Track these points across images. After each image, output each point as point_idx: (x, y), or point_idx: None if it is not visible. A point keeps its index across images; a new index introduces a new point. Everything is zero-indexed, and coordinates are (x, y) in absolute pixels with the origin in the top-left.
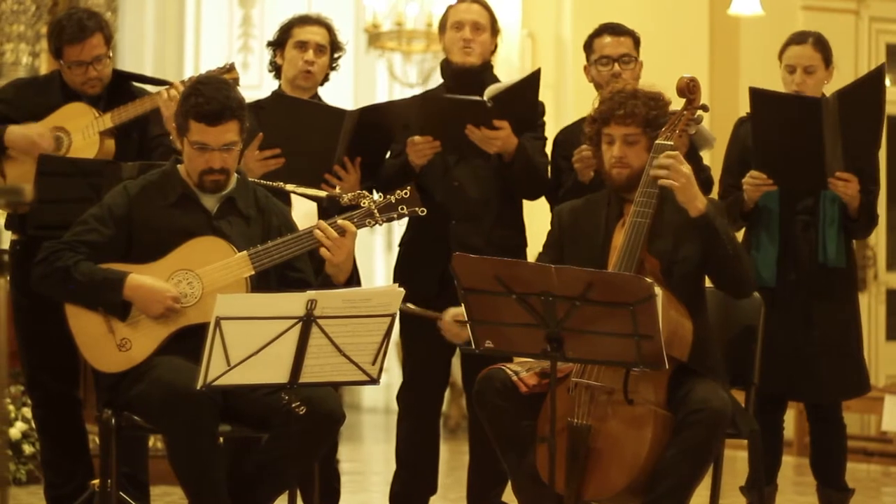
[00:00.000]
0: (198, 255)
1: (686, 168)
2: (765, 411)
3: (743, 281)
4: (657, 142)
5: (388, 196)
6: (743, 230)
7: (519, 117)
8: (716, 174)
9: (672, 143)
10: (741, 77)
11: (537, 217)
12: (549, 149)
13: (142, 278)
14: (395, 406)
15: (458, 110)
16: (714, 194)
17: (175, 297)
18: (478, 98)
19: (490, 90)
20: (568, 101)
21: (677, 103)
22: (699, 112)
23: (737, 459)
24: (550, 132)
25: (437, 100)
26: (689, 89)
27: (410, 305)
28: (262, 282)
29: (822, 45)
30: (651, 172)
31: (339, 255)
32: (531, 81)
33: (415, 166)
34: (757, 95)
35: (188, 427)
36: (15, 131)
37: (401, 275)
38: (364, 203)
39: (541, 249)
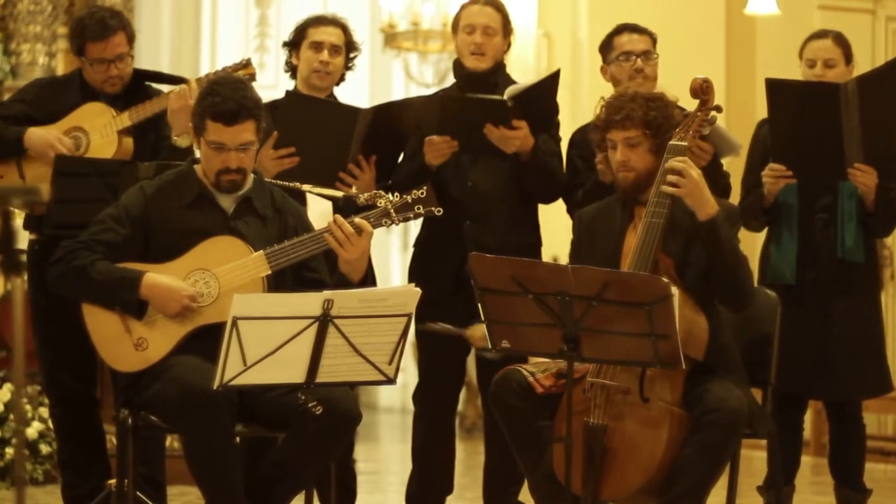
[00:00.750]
0: (214, 254)
1: (695, 172)
2: (784, 411)
3: (740, 293)
4: (671, 143)
5: (404, 196)
6: (766, 230)
7: (537, 117)
8: (733, 179)
9: (686, 143)
10: (757, 77)
11: (552, 217)
12: (564, 148)
13: (158, 277)
14: (411, 406)
15: (477, 110)
16: (735, 198)
17: (192, 295)
18: (499, 98)
19: (510, 90)
20: (584, 100)
21: (691, 104)
22: (713, 113)
23: (754, 459)
24: (566, 132)
25: (458, 100)
26: (702, 90)
27: (439, 324)
28: (279, 282)
29: (842, 42)
30: (662, 170)
31: (353, 253)
32: (551, 82)
33: (431, 166)
34: (774, 85)
35: (205, 427)
36: (34, 134)
37: (416, 275)
38: (380, 203)
39: (555, 250)
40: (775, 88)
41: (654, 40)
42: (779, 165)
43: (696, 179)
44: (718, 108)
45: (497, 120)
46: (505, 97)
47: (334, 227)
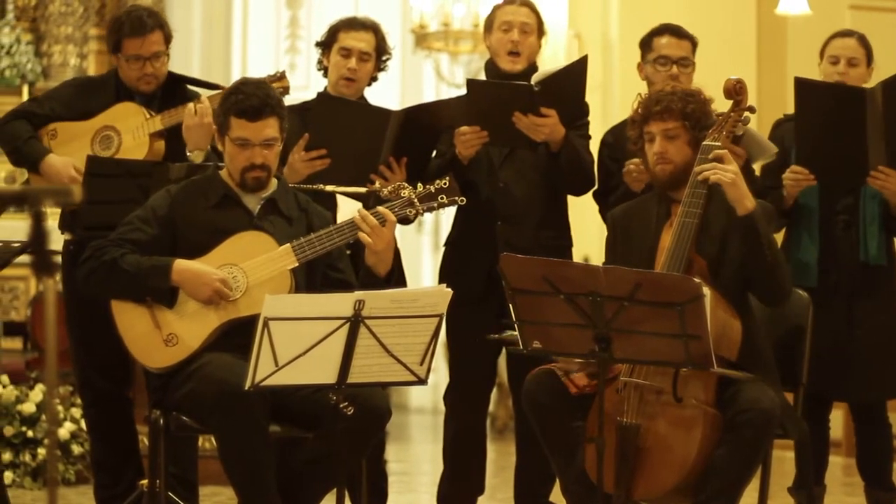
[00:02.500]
0: (241, 249)
1: (734, 166)
2: (810, 411)
3: (778, 289)
4: (704, 143)
5: (427, 186)
6: (783, 231)
7: (566, 106)
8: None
9: (720, 143)
10: (788, 77)
11: (583, 218)
12: (594, 148)
13: (189, 262)
14: (442, 406)
15: (504, 97)
16: None
17: (223, 279)
18: (525, 83)
19: (537, 75)
20: (615, 101)
21: (724, 105)
22: (746, 114)
23: (784, 460)
24: (597, 132)
25: (483, 85)
26: (735, 91)
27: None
28: (311, 283)
29: (865, 43)
30: (697, 169)
31: (380, 243)
32: (578, 67)
33: (462, 158)
34: (802, 85)
35: (241, 425)
36: (53, 166)
37: (447, 275)
38: (404, 193)
39: (586, 251)
40: (804, 88)
41: (693, 45)
42: (801, 168)
43: (736, 172)
44: (752, 109)
45: (525, 107)
46: (532, 82)
47: (359, 219)
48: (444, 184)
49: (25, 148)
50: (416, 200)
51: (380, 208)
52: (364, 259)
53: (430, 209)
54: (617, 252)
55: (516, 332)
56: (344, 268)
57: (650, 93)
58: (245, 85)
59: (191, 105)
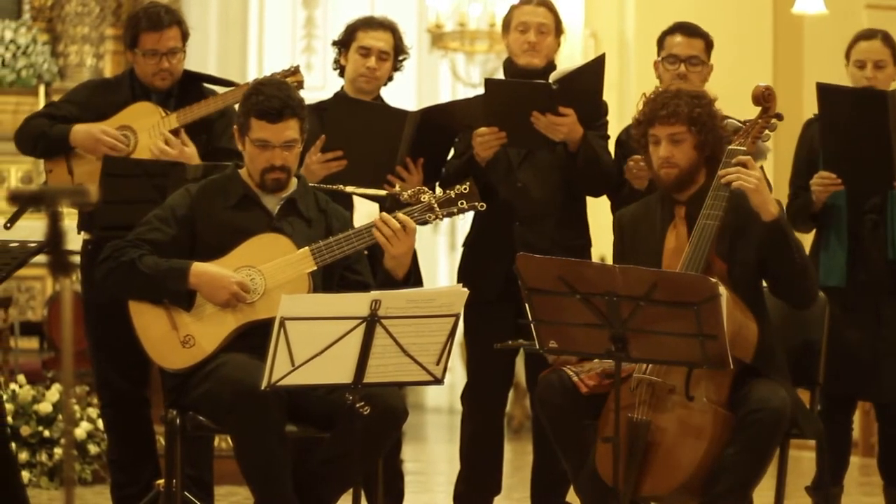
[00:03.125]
0: (259, 251)
1: (757, 172)
2: (833, 412)
3: (807, 292)
4: (730, 147)
5: (447, 191)
6: (813, 232)
7: (584, 105)
8: (780, 179)
9: (745, 148)
10: (805, 76)
11: (600, 217)
12: (612, 145)
13: (207, 266)
14: (458, 406)
15: (522, 95)
16: (782, 197)
17: (240, 282)
18: (542, 81)
19: (555, 74)
20: (631, 100)
21: (752, 111)
22: (774, 120)
23: (802, 460)
24: (613, 131)
25: (501, 83)
26: (764, 97)
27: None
28: (328, 284)
29: (890, 42)
30: (721, 172)
31: (399, 248)
32: (596, 66)
33: (480, 160)
34: (824, 91)
35: (256, 425)
36: (79, 130)
37: (465, 275)
38: (424, 198)
39: (604, 251)
40: (826, 93)
41: (708, 44)
42: (828, 173)
43: (760, 178)
44: (779, 116)
45: (543, 106)
46: (549, 81)
47: (380, 223)
48: (465, 189)
49: (51, 131)
50: (435, 206)
51: (399, 214)
52: (382, 261)
53: (450, 214)
54: (624, 256)
55: (524, 342)
56: (362, 269)
57: (655, 93)
58: (266, 86)
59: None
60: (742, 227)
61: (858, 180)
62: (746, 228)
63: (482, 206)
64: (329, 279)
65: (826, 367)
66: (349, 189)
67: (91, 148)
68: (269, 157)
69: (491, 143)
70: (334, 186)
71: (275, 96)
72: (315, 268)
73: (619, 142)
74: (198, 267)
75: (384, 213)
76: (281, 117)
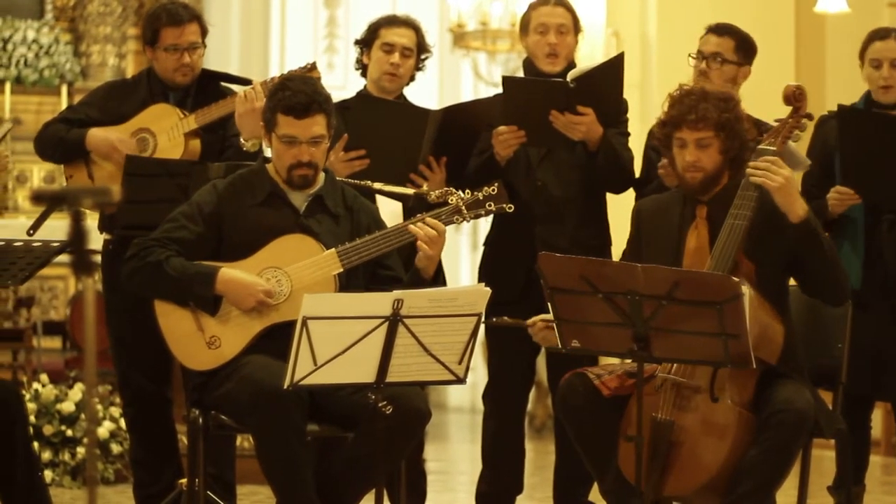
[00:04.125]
0: (286, 252)
1: (786, 171)
2: (852, 411)
3: (839, 289)
4: (760, 146)
5: (475, 193)
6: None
7: (603, 104)
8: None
9: (775, 148)
10: (827, 75)
11: (621, 215)
12: (634, 143)
13: (234, 272)
14: (481, 405)
15: (540, 94)
16: None
17: (267, 290)
18: (560, 80)
19: (573, 72)
20: (653, 99)
21: (773, 105)
22: (804, 120)
23: (824, 459)
24: (635, 130)
25: (519, 81)
26: (795, 97)
27: (506, 318)
28: (352, 279)
29: None
30: (748, 171)
31: (434, 250)
32: (614, 65)
33: (500, 159)
34: (844, 113)
35: (277, 425)
36: (95, 136)
37: (486, 275)
38: (451, 200)
39: (624, 248)
40: (846, 116)
41: (738, 44)
42: (846, 189)
43: (787, 177)
44: (810, 116)
45: (561, 105)
46: (567, 79)
47: (415, 229)
48: (493, 190)
49: (68, 136)
50: (463, 208)
51: (429, 219)
52: (414, 260)
53: (478, 216)
54: (640, 250)
55: (509, 319)
56: (393, 265)
57: (681, 93)
58: (292, 81)
59: (241, 91)
60: (770, 227)
61: (877, 197)
62: (775, 228)
63: (510, 208)
64: (353, 275)
65: (848, 366)
66: (377, 186)
67: (106, 153)
68: (295, 153)
69: (510, 143)
70: (362, 183)
71: (301, 91)
72: (342, 270)
73: (651, 134)
74: (225, 273)
75: (419, 223)
76: (307, 113)
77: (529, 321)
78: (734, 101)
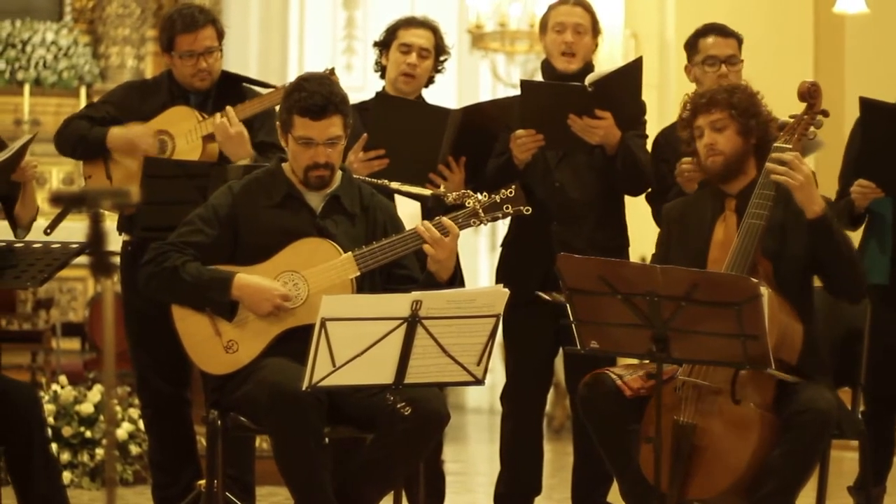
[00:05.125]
0: (303, 256)
1: (806, 168)
2: (875, 411)
3: (856, 286)
4: (776, 144)
5: (492, 195)
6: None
7: (621, 108)
8: (825, 177)
9: (791, 146)
10: (846, 75)
11: (639, 217)
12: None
13: (249, 277)
14: (499, 406)
15: (558, 97)
16: (830, 193)
17: (284, 294)
18: (578, 84)
19: (591, 76)
20: (671, 101)
21: (792, 105)
22: (819, 117)
23: (844, 460)
24: (653, 132)
25: (537, 85)
26: (809, 94)
27: (553, 294)
28: (367, 278)
29: None
30: (768, 166)
31: (442, 253)
32: (633, 69)
33: (518, 162)
34: (866, 106)
35: (295, 427)
36: (116, 133)
37: (504, 276)
38: (469, 203)
39: (643, 251)
40: (868, 109)
41: (739, 42)
42: (868, 182)
43: (807, 174)
44: (825, 113)
45: (579, 108)
46: (585, 83)
47: (422, 230)
48: (510, 193)
49: (90, 134)
50: (480, 211)
51: (444, 220)
52: (427, 263)
53: (495, 219)
54: (670, 247)
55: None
56: (408, 264)
57: (696, 92)
58: (308, 82)
59: (217, 119)
60: (791, 224)
61: None
62: (795, 225)
63: (528, 210)
64: (369, 275)
65: (868, 366)
66: (395, 185)
67: (127, 151)
68: (312, 154)
69: (528, 146)
70: (380, 182)
71: (317, 92)
72: (358, 273)
73: (656, 144)
74: (240, 279)
75: (425, 222)
76: (324, 114)
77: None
78: (745, 86)
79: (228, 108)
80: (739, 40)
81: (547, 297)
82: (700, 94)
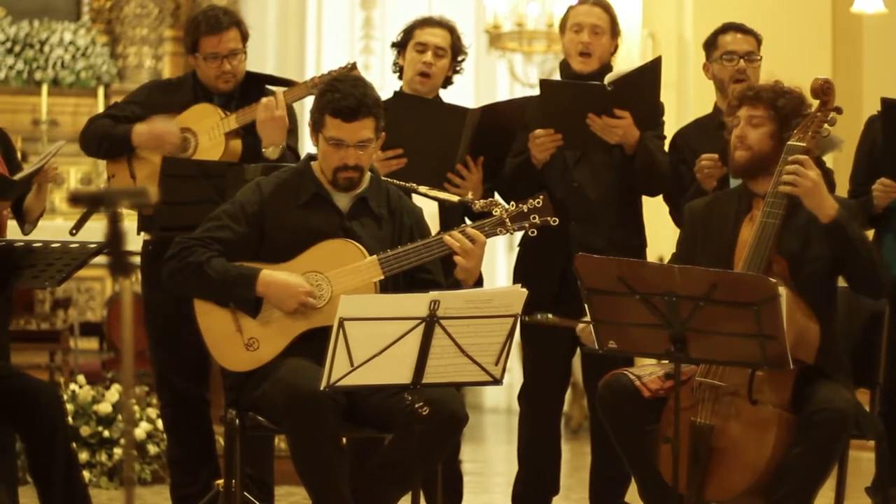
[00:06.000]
0: (328, 257)
1: (814, 173)
2: (893, 411)
3: (876, 284)
4: (789, 143)
5: (520, 205)
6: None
7: (640, 107)
8: (839, 175)
9: (804, 144)
10: (864, 74)
11: (656, 217)
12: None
13: (275, 274)
14: (516, 406)
15: (577, 97)
16: (842, 192)
17: (309, 291)
18: (597, 83)
19: (610, 76)
20: (689, 100)
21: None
22: (832, 114)
23: (862, 460)
24: (671, 132)
25: (555, 85)
26: (823, 91)
27: (550, 316)
28: (391, 281)
29: None
30: (778, 170)
31: (471, 262)
32: (652, 68)
33: (536, 162)
34: (889, 105)
35: (311, 428)
36: (141, 129)
37: (521, 275)
38: (496, 211)
39: (660, 251)
40: (890, 108)
41: (758, 41)
42: (891, 182)
43: (815, 179)
44: (839, 110)
45: (598, 108)
46: (605, 82)
47: (450, 240)
48: (538, 203)
49: (114, 132)
50: (507, 220)
51: (469, 229)
52: (453, 272)
53: (522, 228)
54: (696, 246)
55: (555, 318)
56: (432, 269)
57: (749, 83)
58: (341, 83)
59: (263, 99)
60: (814, 225)
61: None
62: (814, 225)
63: (555, 221)
64: (393, 278)
65: (887, 366)
66: (422, 189)
67: (154, 146)
68: (342, 155)
69: (547, 146)
70: (407, 185)
71: (350, 94)
72: (382, 277)
73: (673, 144)
74: (266, 276)
75: (454, 233)
76: (356, 116)
77: (580, 324)
78: (798, 96)
79: (277, 90)
80: (759, 39)
81: (528, 320)
82: (750, 87)
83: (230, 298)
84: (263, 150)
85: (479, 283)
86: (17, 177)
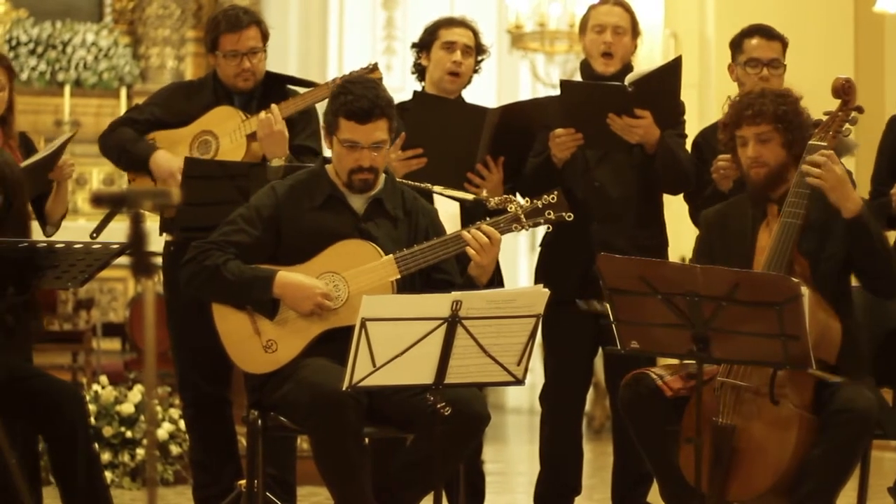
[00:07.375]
0: (344, 257)
1: (839, 168)
2: None
3: (890, 281)
4: (811, 142)
5: (535, 201)
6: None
7: (660, 107)
8: (861, 175)
9: (826, 143)
10: (886, 74)
11: (678, 216)
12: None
13: (291, 275)
14: (538, 406)
15: (597, 97)
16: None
17: (325, 293)
18: (618, 83)
19: (630, 76)
20: (711, 100)
21: (832, 104)
22: (854, 113)
23: (884, 460)
24: (693, 131)
25: (576, 85)
26: (844, 90)
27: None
28: (407, 282)
29: None
30: (803, 169)
31: (486, 259)
32: (672, 68)
33: (557, 161)
34: None
35: (334, 428)
36: (160, 159)
37: (542, 275)
38: (511, 208)
39: (682, 250)
40: None
41: (784, 45)
42: None
43: (840, 174)
44: (860, 109)
45: (619, 108)
46: (625, 83)
47: (468, 237)
48: (553, 199)
49: (133, 149)
50: (522, 216)
51: (484, 226)
52: (468, 268)
53: (536, 224)
54: (714, 254)
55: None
56: (448, 268)
57: (740, 95)
58: (354, 85)
59: (261, 115)
60: (827, 223)
61: None
62: (832, 224)
63: (570, 217)
64: (409, 278)
65: None
66: (437, 189)
67: (164, 179)
68: (357, 157)
69: (567, 145)
70: (422, 185)
71: (364, 96)
72: (399, 276)
73: (695, 145)
74: (282, 277)
75: (472, 229)
76: (370, 118)
77: None
78: (792, 96)
79: (273, 105)
80: (784, 43)
81: (584, 306)
82: (747, 104)
83: (247, 301)
84: (268, 163)
85: (500, 282)
86: (25, 164)
